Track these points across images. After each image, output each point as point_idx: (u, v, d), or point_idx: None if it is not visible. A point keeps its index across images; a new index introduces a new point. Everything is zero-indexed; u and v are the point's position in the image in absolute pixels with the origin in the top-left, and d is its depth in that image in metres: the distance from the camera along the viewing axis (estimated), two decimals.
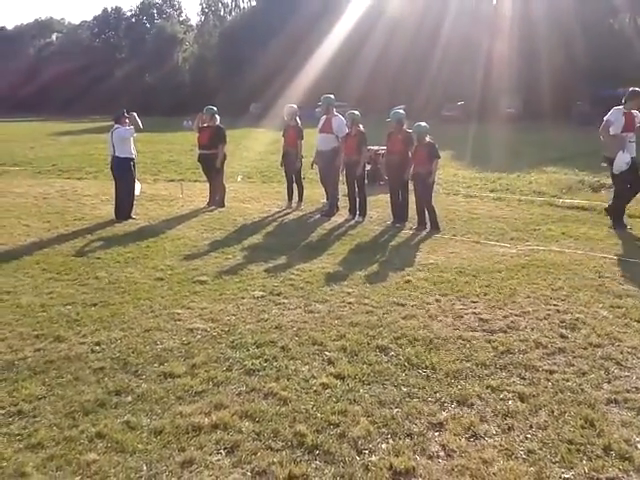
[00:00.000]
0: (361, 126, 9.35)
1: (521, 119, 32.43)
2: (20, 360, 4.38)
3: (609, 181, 11.94)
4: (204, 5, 76.18)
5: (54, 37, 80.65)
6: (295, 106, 10.74)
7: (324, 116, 10.07)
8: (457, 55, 38.33)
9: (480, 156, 15.67)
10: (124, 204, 9.36)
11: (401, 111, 9.29)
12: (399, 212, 8.91)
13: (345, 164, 9.41)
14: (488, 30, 37.00)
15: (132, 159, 9.43)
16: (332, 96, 10.29)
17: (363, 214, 9.33)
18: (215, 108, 10.61)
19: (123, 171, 9.36)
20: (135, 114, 9.60)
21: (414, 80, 40.70)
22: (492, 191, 11.70)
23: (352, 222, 9.07)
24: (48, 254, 7.30)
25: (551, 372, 4.14)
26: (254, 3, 68.93)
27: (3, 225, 8.90)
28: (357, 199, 9.34)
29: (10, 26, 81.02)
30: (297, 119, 10.42)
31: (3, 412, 3.66)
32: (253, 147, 19.89)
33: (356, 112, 9.49)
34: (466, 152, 17.95)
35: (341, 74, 44.87)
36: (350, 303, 5.47)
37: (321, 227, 8.82)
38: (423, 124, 8.76)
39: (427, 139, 8.63)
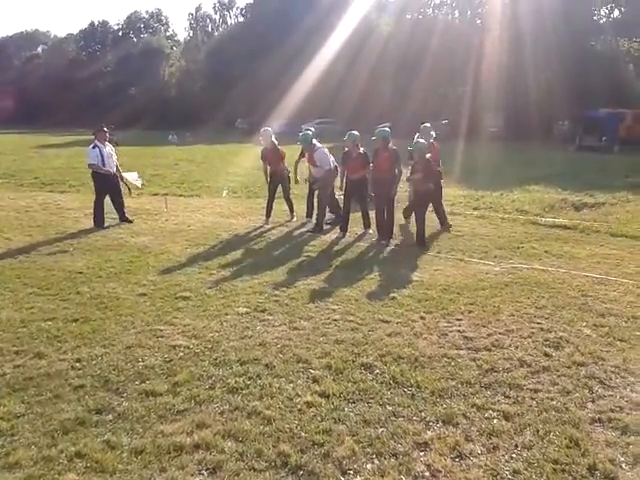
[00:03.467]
0: (361, 148, 9.24)
1: (504, 138, 32.81)
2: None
3: (591, 200, 12.14)
4: (192, 20, 76.61)
5: (40, 49, 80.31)
6: (270, 128, 10.62)
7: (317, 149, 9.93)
8: (443, 74, 38.82)
9: (464, 174, 15.80)
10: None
11: (386, 129, 9.28)
12: (385, 229, 8.91)
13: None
14: (473, 49, 37.50)
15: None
16: (310, 132, 10.12)
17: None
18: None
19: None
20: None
21: (400, 98, 41.05)
22: (476, 209, 11.79)
23: (339, 239, 9.02)
24: (29, 268, 7.19)
25: (536, 391, 4.15)
26: (241, 19, 69.43)
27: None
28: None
29: None
30: (274, 140, 10.25)
31: None
32: (240, 162, 19.88)
33: (355, 132, 9.35)
34: (450, 170, 18.11)
35: (328, 91, 45.16)
36: (335, 320, 5.45)
37: (307, 244, 8.79)
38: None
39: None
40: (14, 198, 12.92)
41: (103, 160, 9.80)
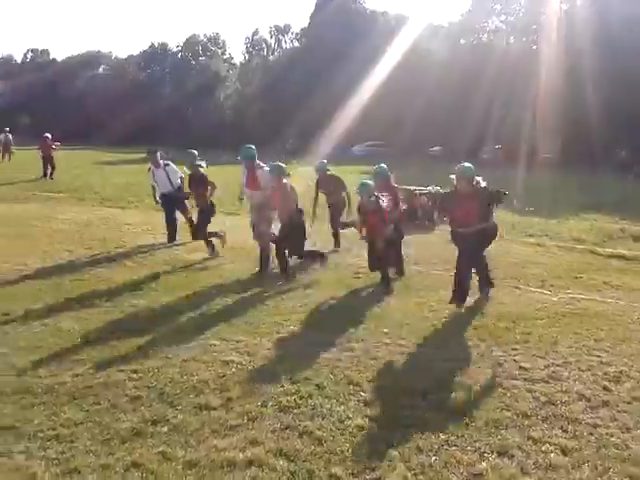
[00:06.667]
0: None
1: (559, 164, 32.13)
2: (59, 385, 4.44)
3: None
4: (248, 44, 78.48)
5: (101, 69, 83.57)
6: (325, 161, 10.22)
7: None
8: (498, 99, 38.46)
9: (518, 200, 15.48)
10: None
11: (384, 165, 8.29)
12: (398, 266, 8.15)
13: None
14: (529, 75, 37.07)
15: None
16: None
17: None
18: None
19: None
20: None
21: (454, 123, 40.89)
22: (531, 236, 11.55)
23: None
24: (89, 280, 7.44)
25: (594, 426, 4.01)
26: (296, 44, 70.73)
27: (46, 250, 9.12)
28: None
29: (60, 57, 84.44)
30: (328, 170, 9.99)
31: (42, 436, 3.71)
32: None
33: (383, 165, 8.33)
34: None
35: (381, 114, 45.41)
36: (386, 344, 5.41)
37: (359, 266, 8.75)
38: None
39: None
40: (76, 212, 13.41)
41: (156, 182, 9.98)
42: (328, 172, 10.02)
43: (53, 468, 3.38)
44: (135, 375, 4.60)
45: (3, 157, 27.30)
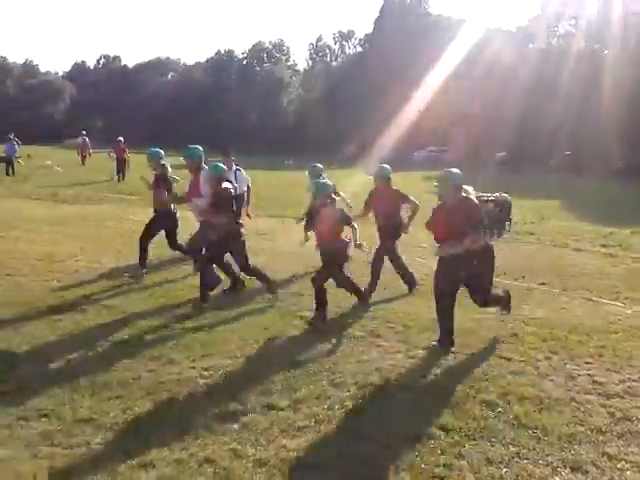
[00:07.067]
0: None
1: (631, 173, 30.80)
2: (134, 380, 4.61)
3: None
4: (312, 50, 79.30)
5: (170, 76, 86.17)
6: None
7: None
8: (569, 104, 37.31)
9: (590, 208, 15.01)
10: None
11: (386, 166, 7.45)
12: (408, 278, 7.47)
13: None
14: (600, 80, 35.80)
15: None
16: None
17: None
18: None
19: None
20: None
21: (518, 127, 39.97)
22: (604, 246, 11.12)
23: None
24: (163, 277, 7.69)
25: None
26: (360, 49, 70.87)
27: (119, 250, 9.50)
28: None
29: (131, 64, 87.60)
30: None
31: (118, 428, 3.85)
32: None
33: (386, 166, 7.47)
34: (575, 203, 17.32)
35: (441, 119, 44.94)
36: (453, 352, 5.34)
37: (421, 272, 8.67)
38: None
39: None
40: (148, 214, 13.80)
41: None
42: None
43: (129, 460, 3.50)
44: (206, 372, 4.73)
45: (83, 161, 28.34)
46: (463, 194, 5.47)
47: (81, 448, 3.65)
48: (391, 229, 7.26)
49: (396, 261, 7.37)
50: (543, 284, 8.07)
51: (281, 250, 9.84)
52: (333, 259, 6.23)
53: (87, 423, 3.94)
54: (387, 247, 7.31)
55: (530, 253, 10.27)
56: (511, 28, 52.66)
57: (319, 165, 8.48)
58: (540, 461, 3.63)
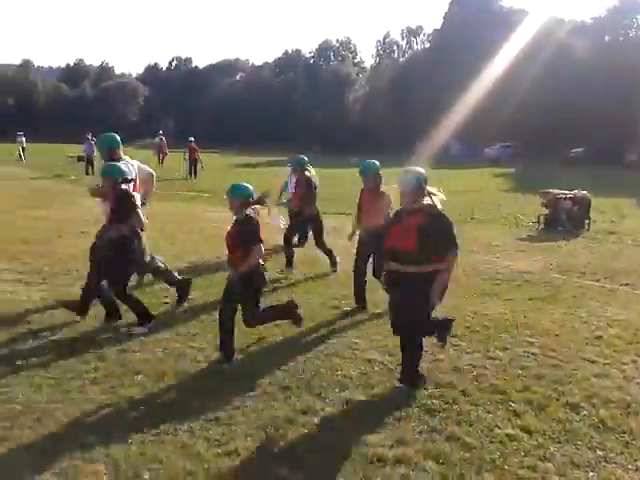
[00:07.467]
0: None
1: None
2: (219, 369, 4.78)
3: None
4: (379, 47, 78.90)
5: (238, 76, 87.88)
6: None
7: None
8: None
9: None
10: None
11: (375, 161, 6.71)
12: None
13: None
14: None
15: None
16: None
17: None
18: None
19: None
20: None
21: (594, 123, 38.42)
22: None
23: (527, 268, 8.59)
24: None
25: None
26: (427, 45, 69.87)
27: (195, 246, 9.78)
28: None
29: (201, 65, 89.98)
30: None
31: (204, 417, 3.98)
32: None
33: (375, 161, 6.73)
34: None
35: (512, 114, 43.75)
36: (534, 354, 5.20)
37: (496, 271, 8.50)
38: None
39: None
40: (220, 211, 14.18)
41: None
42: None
43: (214, 449, 3.62)
44: (285, 367, 4.82)
45: (160, 160, 28.90)
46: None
47: (169, 435, 3.78)
48: None
49: None
50: (626, 285, 7.76)
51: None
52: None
53: (174, 411, 4.09)
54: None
55: (612, 253, 9.87)
56: (586, 19, 50.57)
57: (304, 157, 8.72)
58: (629, 466, 3.51)
